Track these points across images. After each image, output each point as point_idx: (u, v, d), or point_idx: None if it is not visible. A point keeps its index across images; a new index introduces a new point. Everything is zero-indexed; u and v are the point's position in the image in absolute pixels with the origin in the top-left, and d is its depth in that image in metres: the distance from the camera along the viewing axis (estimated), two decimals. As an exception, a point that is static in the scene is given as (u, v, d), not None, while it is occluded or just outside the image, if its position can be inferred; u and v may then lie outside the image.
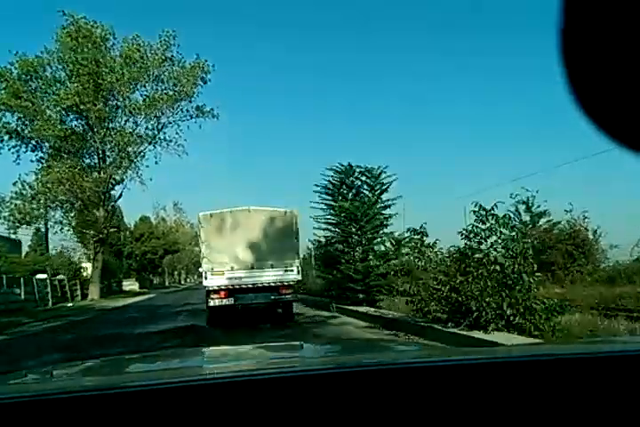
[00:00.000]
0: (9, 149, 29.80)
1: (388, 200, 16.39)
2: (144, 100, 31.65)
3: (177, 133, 32.78)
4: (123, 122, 32.27)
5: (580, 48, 0.61)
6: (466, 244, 9.00)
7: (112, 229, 35.72)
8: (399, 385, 1.19)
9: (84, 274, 36.54)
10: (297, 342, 3.50)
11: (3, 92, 28.24)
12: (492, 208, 8.78)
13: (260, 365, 1.80)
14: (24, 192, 29.97)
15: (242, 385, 1.19)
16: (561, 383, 1.20)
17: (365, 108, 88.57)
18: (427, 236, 10.52)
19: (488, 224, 8.75)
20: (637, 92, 0.60)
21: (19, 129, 29.72)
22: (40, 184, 29.77)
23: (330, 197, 16.93)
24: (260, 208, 14.03)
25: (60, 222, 33.10)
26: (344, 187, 16.80)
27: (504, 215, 8.89)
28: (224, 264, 13.15)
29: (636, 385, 1.18)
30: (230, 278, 13.12)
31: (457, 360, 1.52)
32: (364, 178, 16.41)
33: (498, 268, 8.26)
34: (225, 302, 13.08)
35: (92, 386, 1.38)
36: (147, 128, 32.77)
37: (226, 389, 1.17)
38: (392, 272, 14.07)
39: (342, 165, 16.67)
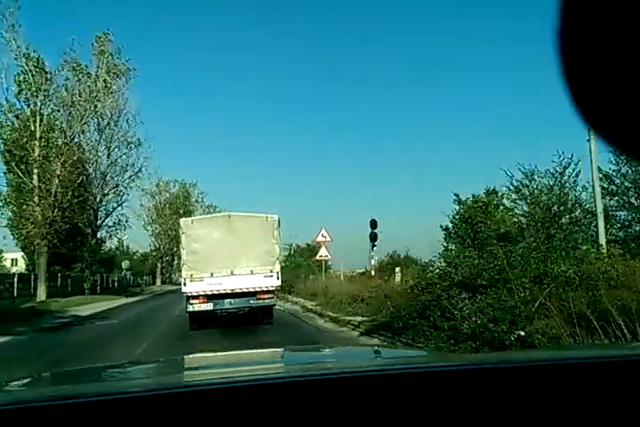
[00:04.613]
0: None
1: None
2: None
3: None
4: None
5: (578, 53, 0.61)
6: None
7: None
8: (383, 392, 1.19)
9: None
10: (280, 349, 3.51)
11: None
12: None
13: (245, 371, 1.77)
14: None
15: (225, 392, 1.20)
16: (560, 388, 1.20)
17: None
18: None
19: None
20: (637, 98, 0.60)
21: None
22: None
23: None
24: (241, 214, 14.44)
25: None
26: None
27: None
28: (204, 270, 13.52)
29: (634, 390, 1.18)
30: (209, 284, 13.50)
31: (446, 366, 1.52)
32: None
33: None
34: (204, 307, 13.51)
35: (78, 393, 1.35)
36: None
37: (209, 395, 1.17)
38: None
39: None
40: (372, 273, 21.57)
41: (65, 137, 28.03)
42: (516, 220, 23.78)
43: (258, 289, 13.65)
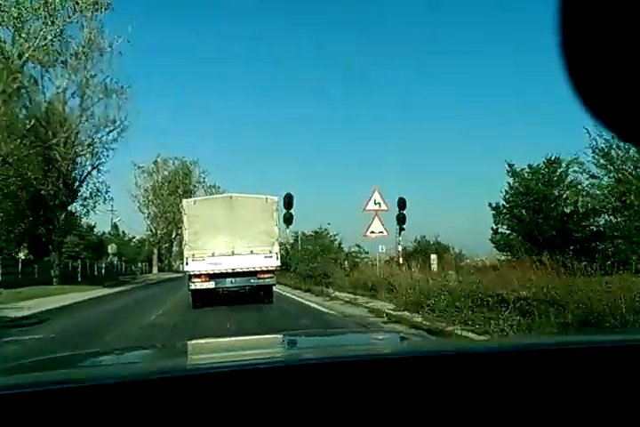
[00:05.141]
0: None
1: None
2: None
3: None
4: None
5: (579, 43, 0.60)
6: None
7: None
8: (381, 377, 1.17)
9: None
10: (281, 334, 3.18)
11: None
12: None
13: (247, 356, 1.73)
14: None
15: (227, 376, 1.18)
16: (551, 374, 1.18)
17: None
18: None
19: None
20: (637, 86, 0.60)
21: None
22: None
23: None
24: (242, 195, 14.89)
25: None
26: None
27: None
28: (205, 250, 13.83)
29: (626, 376, 1.16)
30: (211, 264, 13.74)
31: (446, 351, 1.51)
32: None
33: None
34: (205, 285, 13.86)
35: (79, 378, 1.28)
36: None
37: (211, 380, 1.16)
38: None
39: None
40: (400, 261, 19.05)
41: (6, 57, 20.21)
42: (599, 192, 19.77)
43: (258, 269, 13.96)
